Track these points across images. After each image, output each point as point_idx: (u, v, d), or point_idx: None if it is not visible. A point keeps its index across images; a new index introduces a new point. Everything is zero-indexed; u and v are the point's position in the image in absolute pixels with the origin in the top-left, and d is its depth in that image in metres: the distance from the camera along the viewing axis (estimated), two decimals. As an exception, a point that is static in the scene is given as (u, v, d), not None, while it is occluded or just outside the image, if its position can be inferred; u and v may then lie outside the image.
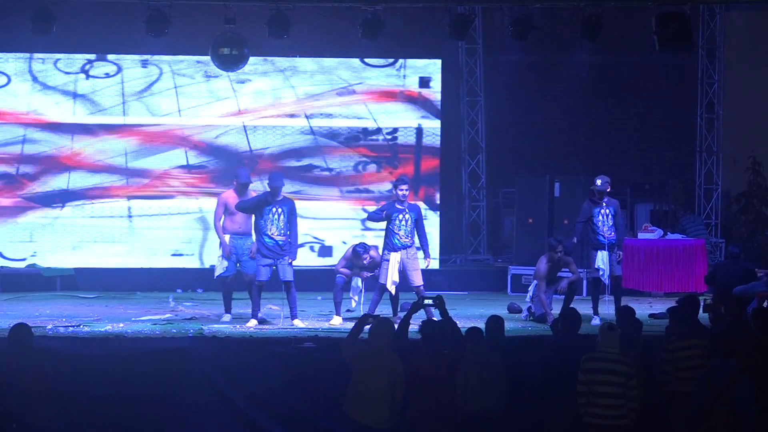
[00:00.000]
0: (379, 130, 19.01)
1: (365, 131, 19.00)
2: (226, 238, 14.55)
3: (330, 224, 18.61)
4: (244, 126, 18.76)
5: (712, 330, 11.06)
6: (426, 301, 10.92)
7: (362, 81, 18.94)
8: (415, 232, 14.31)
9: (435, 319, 11.69)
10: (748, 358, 10.14)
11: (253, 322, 14.10)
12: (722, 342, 10.04)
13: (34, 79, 18.49)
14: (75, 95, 18.54)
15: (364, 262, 14.59)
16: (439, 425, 10.07)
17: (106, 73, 18.62)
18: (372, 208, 18.78)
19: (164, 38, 15.63)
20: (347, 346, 10.35)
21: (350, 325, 11.60)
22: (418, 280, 14.32)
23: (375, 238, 18.68)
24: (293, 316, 14.20)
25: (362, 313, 13.05)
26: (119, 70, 18.61)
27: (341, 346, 10.45)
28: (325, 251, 18.34)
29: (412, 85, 19.05)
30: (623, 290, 15.35)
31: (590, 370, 9.93)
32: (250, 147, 18.76)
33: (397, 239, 14.25)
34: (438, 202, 19.15)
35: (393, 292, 14.36)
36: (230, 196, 14.61)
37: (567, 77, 20.17)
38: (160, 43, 16.09)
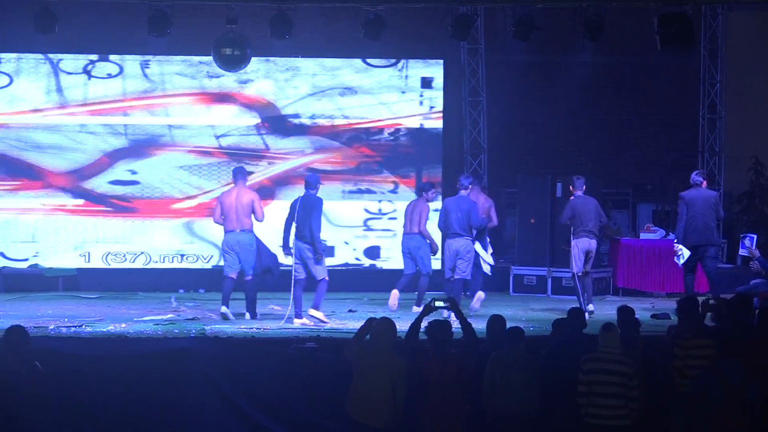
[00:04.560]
0: (381, 131, 19.01)
1: (367, 131, 19.00)
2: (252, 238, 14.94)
3: (332, 225, 18.59)
4: (247, 126, 18.76)
5: (716, 329, 11.05)
6: (437, 303, 10.86)
7: (364, 81, 18.94)
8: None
9: (449, 320, 11.69)
10: (752, 358, 10.14)
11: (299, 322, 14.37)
12: (727, 341, 10.04)
13: (37, 79, 18.48)
14: (77, 95, 18.53)
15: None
16: (447, 425, 10.06)
17: (108, 74, 18.62)
18: (374, 208, 18.83)
19: (166, 38, 15.66)
20: (350, 346, 10.36)
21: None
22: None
23: (377, 238, 18.73)
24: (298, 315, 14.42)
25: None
26: (121, 70, 18.62)
27: (345, 346, 10.46)
28: (327, 252, 18.29)
29: (414, 85, 19.04)
30: (593, 286, 16.23)
31: (590, 370, 9.93)
32: (252, 147, 18.76)
33: None
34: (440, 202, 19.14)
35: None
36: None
37: (569, 77, 20.16)
38: (162, 43, 16.11)
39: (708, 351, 10.43)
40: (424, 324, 10.54)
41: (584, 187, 15.97)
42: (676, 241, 15.33)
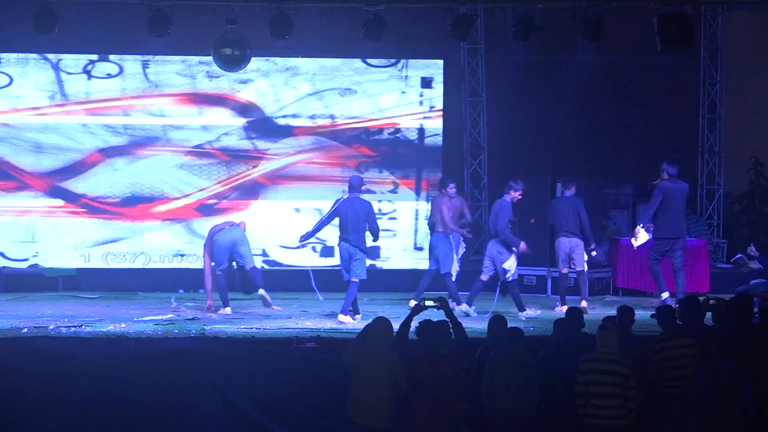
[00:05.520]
0: (381, 131, 19.01)
1: (367, 131, 18.99)
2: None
3: (332, 224, 18.55)
4: (246, 126, 18.75)
5: (712, 330, 11.04)
6: (427, 303, 10.86)
7: (364, 81, 18.93)
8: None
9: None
10: (752, 358, 10.14)
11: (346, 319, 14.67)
12: (722, 342, 10.03)
13: (37, 79, 18.48)
14: (77, 95, 18.52)
15: None
16: (439, 426, 10.06)
17: (108, 74, 18.61)
18: (373, 208, 18.78)
19: (166, 38, 15.67)
20: (347, 349, 10.34)
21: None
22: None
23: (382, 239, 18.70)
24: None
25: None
26: (121, 70, 18.61)
27: (343, 350, 10.44)
28: (327, 251, 18.32)
29: (414, 85, 19.04)
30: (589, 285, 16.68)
31: (588, 370, 9.93)
32: (252, 147, 18.76)
33: None
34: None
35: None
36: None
37: (569, 77, 20.15)
38: (161, 43, 16.11)
39: (685, 351, 10.41)
40: (415, 324, 10.55)
41: (573, 189, 16.20)
42: (641, 225, 16.05)
